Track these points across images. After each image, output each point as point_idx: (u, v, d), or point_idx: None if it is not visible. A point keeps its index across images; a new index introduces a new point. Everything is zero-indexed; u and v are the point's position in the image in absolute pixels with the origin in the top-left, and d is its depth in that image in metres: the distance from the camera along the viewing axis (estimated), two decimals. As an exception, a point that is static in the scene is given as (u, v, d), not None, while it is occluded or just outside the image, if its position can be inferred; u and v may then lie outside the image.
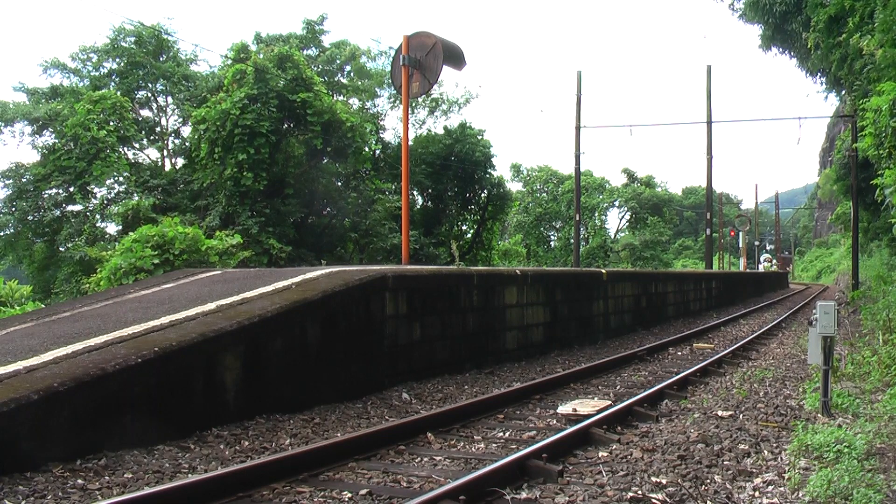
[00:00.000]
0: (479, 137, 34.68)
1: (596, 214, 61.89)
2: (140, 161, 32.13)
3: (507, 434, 6.81)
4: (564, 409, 7.64)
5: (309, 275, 9.08)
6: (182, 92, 32.69)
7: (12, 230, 29.91)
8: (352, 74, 36.05)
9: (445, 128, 36.29)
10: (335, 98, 29.51)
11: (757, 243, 70.37)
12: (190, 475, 5.21)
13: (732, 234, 62.70)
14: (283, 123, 26.30)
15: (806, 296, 35.49)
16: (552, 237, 61.36)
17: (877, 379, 8.75)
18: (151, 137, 33.18)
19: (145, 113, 33.87)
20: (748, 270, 54.17)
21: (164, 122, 34.41)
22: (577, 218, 31.56)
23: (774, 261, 71.03)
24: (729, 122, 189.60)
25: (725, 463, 5.52)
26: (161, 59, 33.16)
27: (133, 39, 32.24)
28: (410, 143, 31.17)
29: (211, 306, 7.67)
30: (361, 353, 8.51)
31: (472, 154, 33.90)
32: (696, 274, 25.90)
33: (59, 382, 5.37)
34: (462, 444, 6.46)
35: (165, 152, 33.64)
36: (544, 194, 61.17)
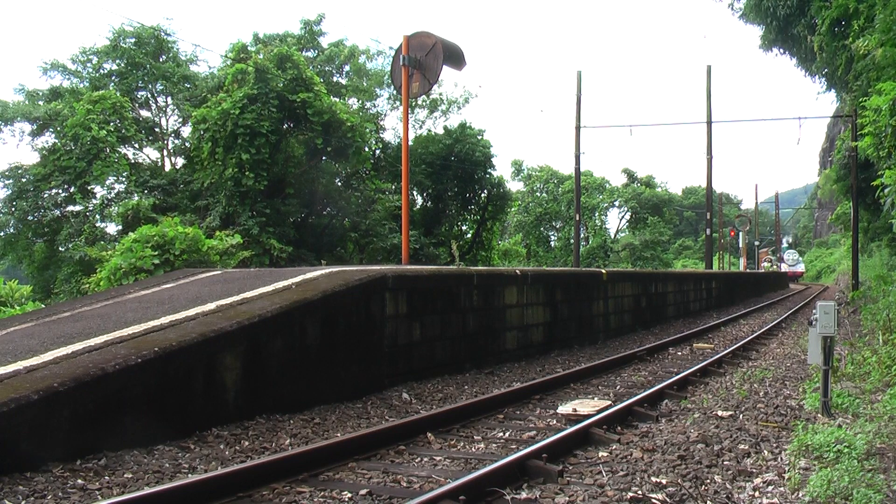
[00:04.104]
0: (479, 137, 34.69)
1: (596, 214, 61.89)
2: (140, 161, 32.13)
3: (507, 434, 6.81)
4: (564, 409, 7.64)
5: (309, 275, 9.08)
6: (182, 92, 32.67)
7: (12, 230, 29.90)
8: (351, 74, 36.06)
9: (445, 128, 36.31)
10: (334, 98, 29.48)
11: (757, 243, 69.39)
12: (190, 475, 5.21)
13: (732, 234, 62.53)
14: (283, 123, 26.32)
15: (806, 296, 35.49)
16: (552, 237, 61.35)
17: (877, 379, 8.75)
18: (151, 137, 33.18)
19: (145, 113, 33.88)
20: (748, 270, 54.07)
21: (164, 122, 34.42)
22: (578, 218, 31.56)
23: (799, 258, 67.14)
24: (729, 122, 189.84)
25: (725, 463, 5.52)
26: (161, 59, 33.16)
27: (133, 40, 32.23)
28: (410, 143, 31.19)
29: (211, 306, 7.67)
30: (361, 353, 8.51)
31: (472, 154, 33.91)
32: (696, 274, 25.90)
33: (59, 382, 5.37)
34: (462, 444, 6.46)
35: (165, 152, 33.65)
36: (544, 194, 61.18)
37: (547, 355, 12.42)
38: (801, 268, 67.07)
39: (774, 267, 62.80)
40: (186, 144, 32.10)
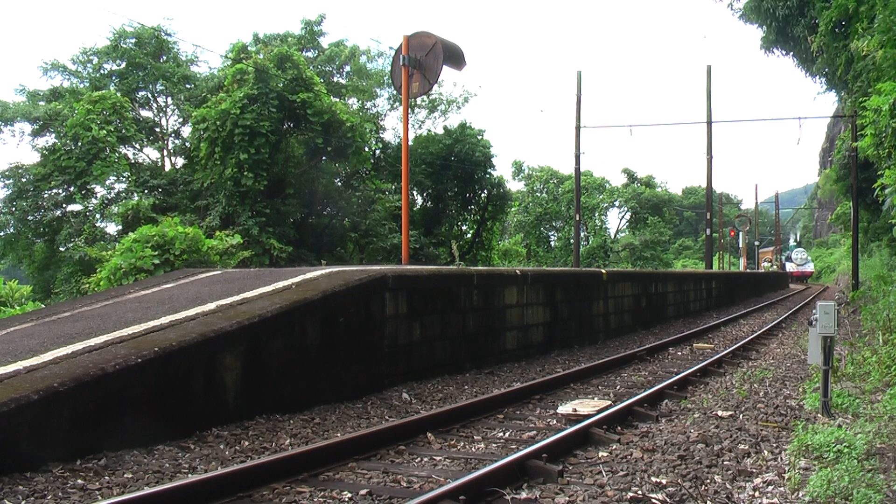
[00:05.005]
0: (479, 137, 34.71)
1: (596, 214, 61.89)
2: (140, 161, 32.16)
3: (507, 434, 6.81)
4: (564, 409, 7.64)
5: (309, 275, 9.08)
6: (182, 92, 32.71)
7: (12, 230, 29.93)
8: (351, 75, 36.08)
9: (445, 128, 36.33)
10: (334, 99, 29.51)
11: (757, 242, 68.92)
12: (190, 475, 5.21)
13: (732, 234, 62.40)
14: (283, 123, 26.33)
15: (805, 296, 35.49)
16: (552, 237, 61.36)
17: (877, 379, 8.75)
18: (151, 137, 33.21)
19: (145, 113, 33.93)
20: (748, 270, 53.95)
21: (164, 122, 34.47)
22: (578, 218, 31.55)
23: (808, 257, 61.24)
24: (729, 122, 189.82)
25: (725, 463, 5.52)
26: (161, 59, 33.19)
27: (133, 41, 32.26)
28: (410, 143, 31.20)
29: (211, 306, 7.67)
30: (361, 353, 8.51)
31: (472, 154, 33.92)
32: (696, 274, 25.90)
33: (59, 382, 5.37)
34: (462, 444, 6.46)
35: (165, 152, 33.68)
36: (544, 194, 61.19)
37: (547, 355, 12.42)
38: (810, 267, 61.41)
39: (775, 267, 61.97)
40: (186, 144, 32.13)
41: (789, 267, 59.57)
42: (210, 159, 25.18)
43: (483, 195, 36.02)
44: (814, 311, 7.09)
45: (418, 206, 34.91)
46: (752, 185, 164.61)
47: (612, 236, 63.23)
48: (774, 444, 6.06)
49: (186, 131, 32.46)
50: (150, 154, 33.34)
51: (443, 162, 33.57)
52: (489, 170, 35.20)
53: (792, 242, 68.73)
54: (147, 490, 4.58)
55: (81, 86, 32.51)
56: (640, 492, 4.74)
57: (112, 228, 27.84)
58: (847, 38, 15.44)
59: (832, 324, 6.94)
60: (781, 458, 5.63)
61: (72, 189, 27.52)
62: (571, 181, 44.25)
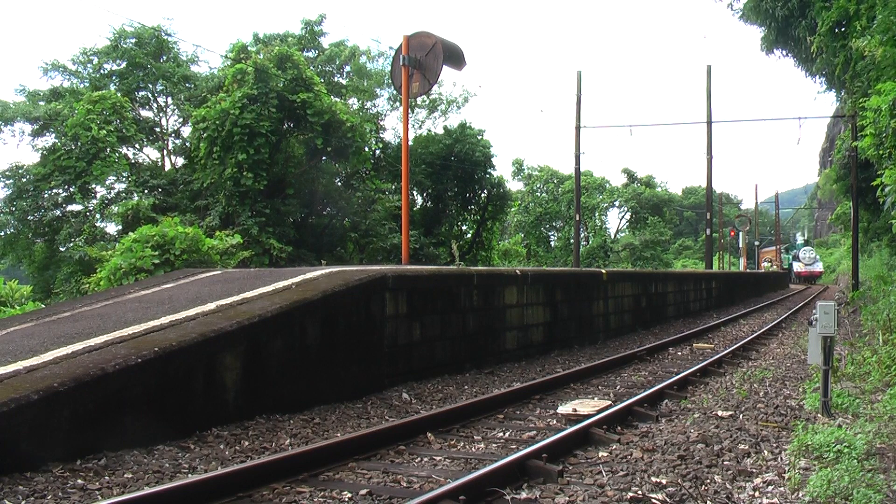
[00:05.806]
0: (479, 137, 34.72)
1: (596, 214, 61.88)
2: (140, 161, 32.15)
3: (507, 434, 6.81)
4: (564, 409, 7.64)
5: (309, 275, 9.08)
6: (182, 92, 32.70)
7: (12, 230, 29.93)
8: (351, 75, 36.09)
9: (445, 128, 36.34)
10: (334, 99, 29.51)
11: (757, 242, 68.55)
12: (190, 475, 5.21)
13: (732, 234, 62.30)
14: (283, 123, 26.33)
15: (805, 296, 35.48)
16: (552, 237, 61.33)
17: (877, 379, 8.75)
18: (151, 137, 33.20)
19: (145, 113, 33.92)
20: (748, 270, 53.88)
21: (164, 122, 34.46)
22: (578, 218, 31.54)
23: (817, 256, 58.13)
24: (729, 122, 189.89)
25: (725, 463, 5.52)
26: (161, 59, 33.18)
27: (133, 41, 32.26)
28: (410, 143, 31.19)
29: (211, 306, 7.67)
30: (361, 353, 8.51)
31: (472, 154, 33.93)
32: (696, 274, 25.89)
33: (59, 382, 5.37)
34: (462, 444, 6.46)
35: (165, 152, 33.68)
36: (544, 194, 61.18)
37: (547, 355, 12.42)
38: (818, 267, 58.49)
39: (775, 267, 61.67)
40: (186, 144, 32.14)
41: (796, 267, 57.70)
42: (209, 159, 25.18)
43: (483, 195, 36.03)
44: (814, 311, 7.09)
45: (418, 206, 34.91)
46: (752, 185, 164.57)
47: (612, 236, 63.20)
48: (774, 444, 6.06)
49: (186, 131, 32.48)
50: (150, 154, 33.38)
51: (443, 162, 33.58)
52: (489, 170, 35.21)
53: (799, 241, 66.43)
54: (147, 490, 4.58)
55: (81, 86, 32.50)
56: (640, 492, 4.74)
57: (112, 228, 27.86)
58: (846, 38, 15.45)
59: (832, 324, 6.94)
60: (781, 458, 5.63)
61: (72, 189, 27.52)
62: (571, 181, 44.23)
